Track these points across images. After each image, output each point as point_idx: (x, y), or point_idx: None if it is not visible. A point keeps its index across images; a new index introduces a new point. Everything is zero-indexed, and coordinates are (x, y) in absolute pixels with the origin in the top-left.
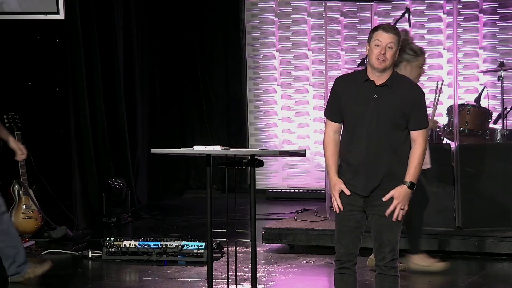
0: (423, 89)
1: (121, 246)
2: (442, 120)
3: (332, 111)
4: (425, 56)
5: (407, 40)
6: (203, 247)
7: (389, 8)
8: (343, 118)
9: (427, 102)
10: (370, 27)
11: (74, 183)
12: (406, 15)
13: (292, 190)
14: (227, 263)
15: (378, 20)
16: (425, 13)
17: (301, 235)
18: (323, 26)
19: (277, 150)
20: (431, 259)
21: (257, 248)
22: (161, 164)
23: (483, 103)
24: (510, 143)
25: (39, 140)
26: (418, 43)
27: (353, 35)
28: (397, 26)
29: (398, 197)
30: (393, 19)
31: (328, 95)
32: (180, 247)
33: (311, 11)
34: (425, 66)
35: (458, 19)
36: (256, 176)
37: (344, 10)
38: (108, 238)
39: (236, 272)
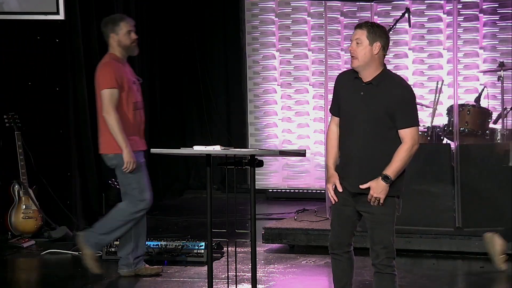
0: (413, 89)
1: None
2: (442, 120)
3: (333, 106)
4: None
5: None
6: (203, 247)
7: (389, 8)
8: (339, 110)
9: (427, 102)
10: None
11: (74, 183)
12: (406, 15)
13: (292, 190)
14: (227, 263)
15: (378, 20)
16: (425, 13)
17: (301, 235)
18: (323, 26)
19: (277, 150)
20: (505, 255)
21: (257, 248)
22: (161, 164)
23: (483, 103)
24: (510, 143)
25: (39, 140)
26: (418, 43)
27: None
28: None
29: (373, 188)
30: (393, 19)
31: (328, 94)
32: (180, 247)
33: (311, 11)
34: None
35: (458, 19)
36: (256, 176)
37: (344, 10)
38: None
39: (236, 272)
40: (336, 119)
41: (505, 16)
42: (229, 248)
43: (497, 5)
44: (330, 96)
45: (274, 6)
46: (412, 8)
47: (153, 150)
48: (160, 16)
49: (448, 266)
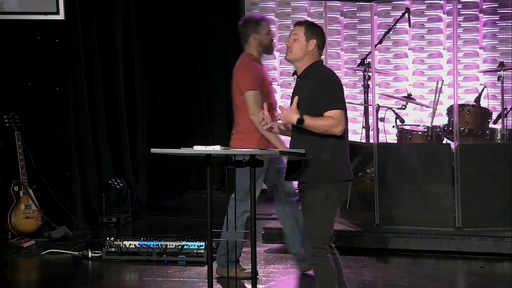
0: (338, 78)
1: (121, 246)
2: (442, 120)
3: None
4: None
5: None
6: (203, 247)
7: (389, 8)
8: None
9: (427, 102)
10: (370, 27)
11: (74, 183)
12: (406, 15)
13: None
14: (227, 263)
15: (378, 20)
16: (425, 13)
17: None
18: (323, 26)
19: (277, 150)
20: None
21: (257, 248)
22: (161, 164)
23: (483, 103)
24: (510, 143)
25: (39, 140)
26: (418, 43)
27: (353, 35)
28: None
29: (284, 112)
30: (393, 19)
31: None
32: (180, 247)
33: (311, 11)
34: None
35: (458, 19)
36: None
37: (344, 10)
38: (108, 238)
39: (236, 272)
40: None
41: (505, 16)
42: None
43: (497, 5)
44: None
45: (274, 6)
46: (412, 8)
47: (153, 150)
48: (160, 16)
49: (448, 266)
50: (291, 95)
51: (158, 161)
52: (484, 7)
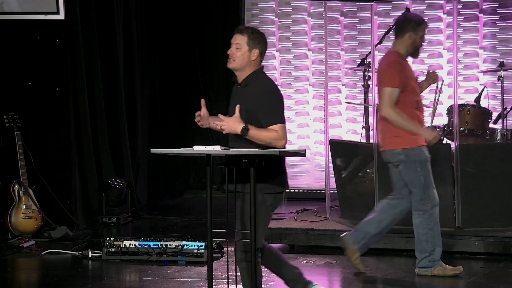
0: (279, 90)
1: (121, 246)
2: (442, 120)
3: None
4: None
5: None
6: (203, 247)
7: (389, 8)
8: None
9: (427, 102)
10: (370, 27)
11: (74, 183)
12: None
13: (292, 190)
14: (227, 263)
15: (378, 20)
16: (425, 13)
17: (301, 235)
18: (323, 26)
19: (277, 150)
20: None
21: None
22: (161, 164)
23: (483, 103)
24: (510, 143)
25: (39, 140)
26: None
27: (353, 35)
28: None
29: (228, 121)
30: (393, 19)
31: (328, 94)
32: (180, 247)
33: (311, 11)
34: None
35: (458, 19)
36: None
37: (344, 10)
38: (108, 238)
39: (236, 272)
40: None
41: (505, 16)
42: (229, 248)
43: (497, 5)
44: (330, 96)
45: (274, 6)
46: (412, 8)
47: (153, 150)
48: (160, 16)
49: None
50: (230, 102)
51: (158, 161)
52: (484, 7)
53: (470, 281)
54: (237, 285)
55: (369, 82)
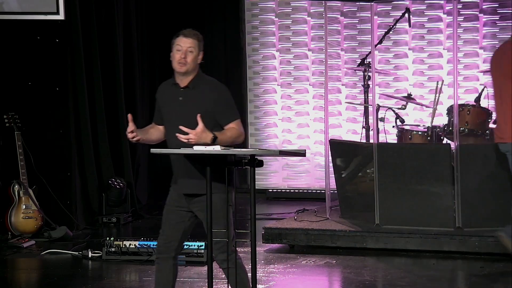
0: (227, 87)
1: (121, 246)
2: (442, 120)
3: (155, 114)
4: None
5: None
6: (203, 247)
7: (389, 8)
8: (162, 119)
9: (427, 102)
10: (370, 27)
11: (74, 183)
12: (406, 15)
13: (292, 190)
14: (227, 263)
15: (378, 20)
16: (425, 13)
17: (301, 235)
18: (323, 26)
19: (277, 150)
20: None
21: (257, 248)
22: (161, 164)
23: (483, 103)
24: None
25: (39, 140)
26: (418, 43)
27: (353, 35)
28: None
29: (196, 133)
30: (393, 19)
31: (328, 94)
32: None
33: (311, 11)
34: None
35: (458, 19)
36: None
37: (344, 10)
38: (108, 238)
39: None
40: (160, 127)
41: (505, 16)
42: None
43: (497, 5)
44: (330, 96)
45: (274, 6)
46: (412, 8)
47: (153, 150)
48: (160, 16)
49: (448, 266)
50: (169, 106)
51: (158, 161)
52: (484, 7)
53: (470, 281)
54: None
55: (369, 82)
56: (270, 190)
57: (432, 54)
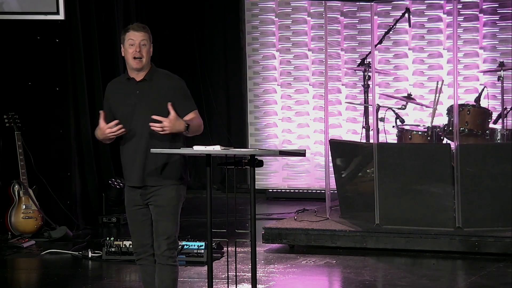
0: (183, 79)
1: (121, 246)
2: (442, 120)
3: (106, 113)
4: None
5: None
6: (203, 247)
7: (389, 8)
8: (115, 118)
9: (427, 102)
10: (370, 27)
11: (74, 183)
12: (406, 15)
13: (292, 190)
14: (227, 263)
15: (378, 20)
16: (425, 13)
17: (301, 235)
18: (323, 26)
19: (277, 150)
20: None
21: (257, 248)
22: None
23: (483, 103)
24: (510, 143)
25: (39, 140)
26: (418, 43)
27: (353, 35)
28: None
29: (170, 121)
30: (393, 19)
31: (328, 95)
32: (180, 247)
33: (311, 11)
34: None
35: (458, 19)
36: (256, 176)
37: (344, 10)
38: (108, 238)
39: (236, 272)
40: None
41: (505, 16)
42: (229, 248)
43: (497, 5)
44: (330, 96)
45: (274, 6)
46: (412, 8)
47: (153, 150)
48: (160, 16)
49: (448, 266)
50: (120, 100)
51: None
52: (484, 7)
53: (470, 281)
54: (237, 285)
55: (369, 82)
56: (270, 190)
57: (432, 54)
